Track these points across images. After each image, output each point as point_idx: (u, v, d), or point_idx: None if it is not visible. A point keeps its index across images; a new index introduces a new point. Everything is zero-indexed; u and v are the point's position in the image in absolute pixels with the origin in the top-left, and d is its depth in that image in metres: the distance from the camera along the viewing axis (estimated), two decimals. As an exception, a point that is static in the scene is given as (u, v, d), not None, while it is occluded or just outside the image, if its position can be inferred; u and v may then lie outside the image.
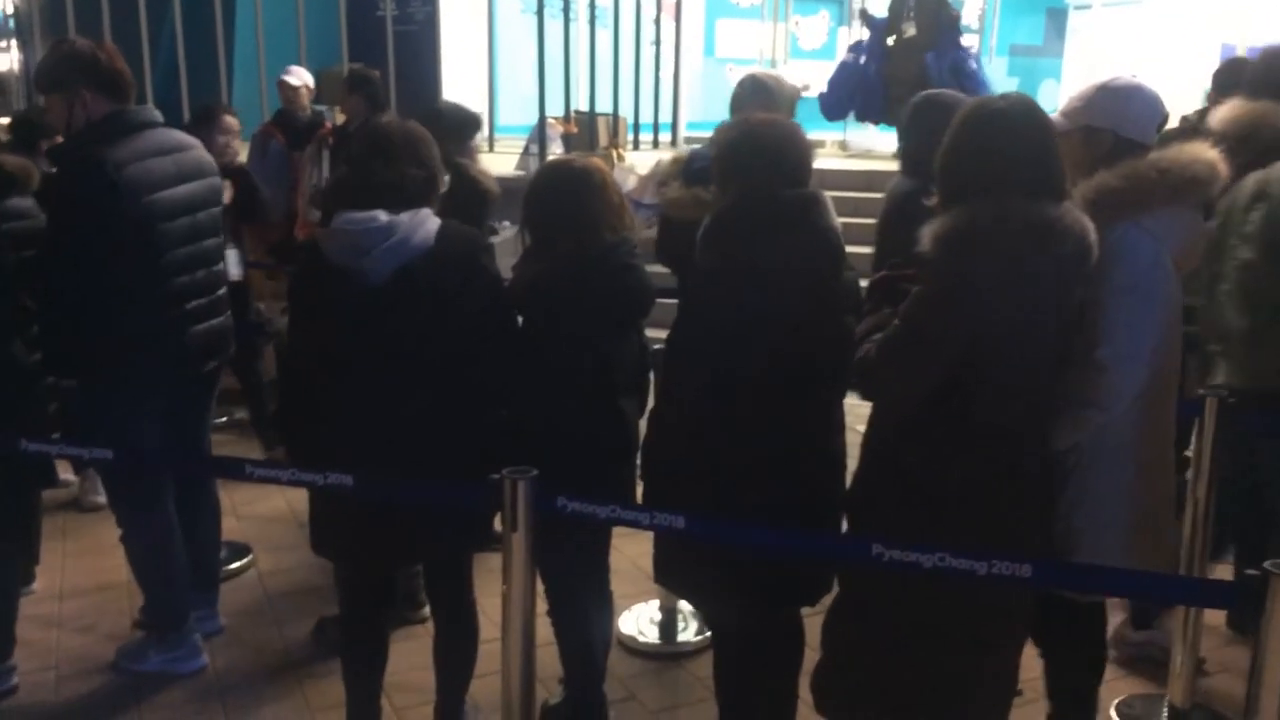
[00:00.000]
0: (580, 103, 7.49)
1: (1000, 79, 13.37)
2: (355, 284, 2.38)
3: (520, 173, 6.24)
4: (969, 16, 13.69)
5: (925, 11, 7.89)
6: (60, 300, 2.92)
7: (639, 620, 3.60)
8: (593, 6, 7.54)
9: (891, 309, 2.14)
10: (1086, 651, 2.59)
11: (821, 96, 8.48)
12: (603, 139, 7.30)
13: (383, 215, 2.38)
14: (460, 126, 3.83)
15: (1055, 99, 13.10)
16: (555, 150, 6.72)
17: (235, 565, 3.94)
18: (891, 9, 8.19)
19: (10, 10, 10.50)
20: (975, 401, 2.04)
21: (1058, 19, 14.23)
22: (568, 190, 2.61)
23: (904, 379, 2.07)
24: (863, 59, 8.23)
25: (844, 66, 8.41)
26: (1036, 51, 14.13)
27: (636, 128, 8.15)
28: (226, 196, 3.78)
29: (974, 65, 7.95)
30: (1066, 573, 2.04)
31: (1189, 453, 2.89)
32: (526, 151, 6.55)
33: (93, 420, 3.05)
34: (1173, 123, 3.48)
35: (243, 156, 5.37)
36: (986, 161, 2.04)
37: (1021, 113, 2.09)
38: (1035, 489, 2.17)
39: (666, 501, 2.31)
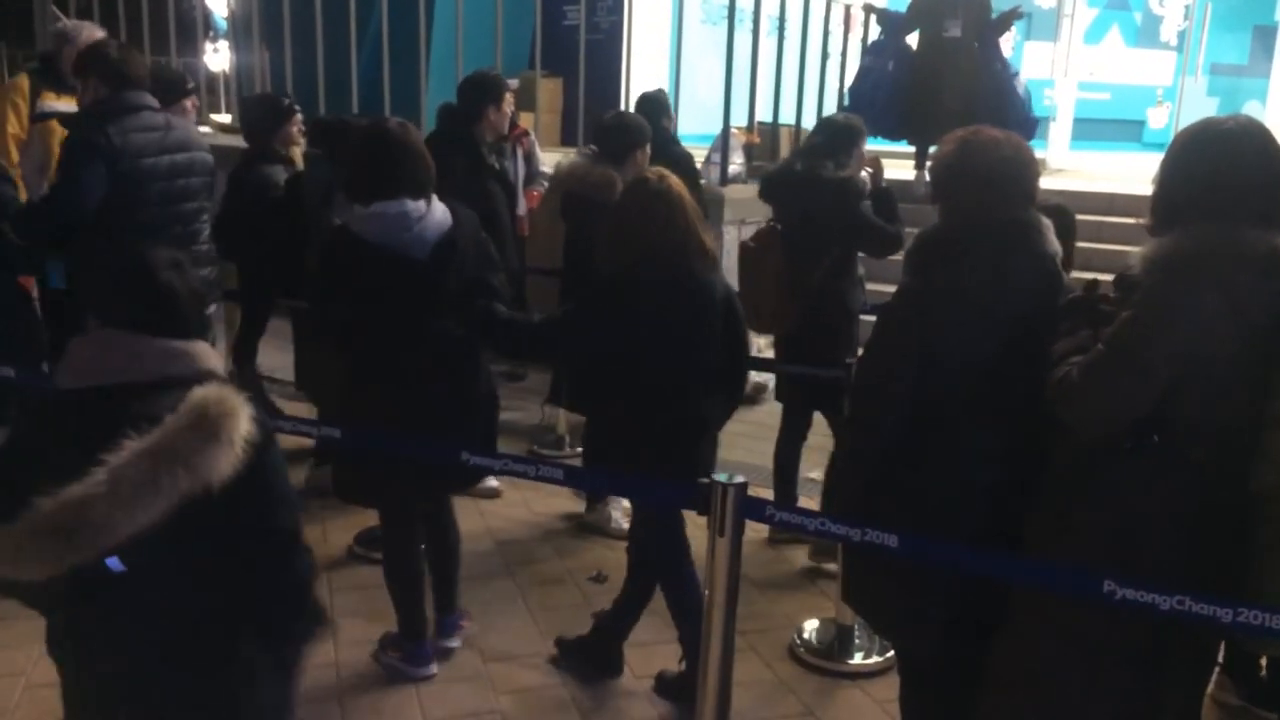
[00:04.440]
0: (763, 113, 7.48)
1: (1199, 99, 12.69)
2: (399, 259, 2.85)
3: (701, 180, 6.28)
4: (1168, 33, 13.04)
5: (973, 9, 6.52)
6: (61, 241, 3.59)
7: (810, 634, 3.57)
8: (782, 18, 7.52)
9: (1091, 331, 2.05)
10: None
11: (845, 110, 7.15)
12: (785, 150, 7.27)
13: (409, 201, 2.88)
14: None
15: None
16: (737, 160, 6.73)
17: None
18: (920, 4, 6.81)
19: (226, 14, 11.28)
20: (1180, 430, 1.95)
21: (1266, 37, 13.39)
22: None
23: (1108, 404, 1.98)
24: (891, 64, 6.95)
25: (867, 71, 7.08)
26: (1241, 71, 13.34)
27: (817, 140, 8.08)
28: None
29: (1022, 86, 6.71)
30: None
31: None
32: (709, 160, 6.58)
33: None
34: None
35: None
36: (1211, 185, 1.95)
37: (1252, 136, 1.98)
38: (1233, 525, 2.02)
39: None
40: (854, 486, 2.33)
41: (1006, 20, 6.43)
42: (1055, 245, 2.28)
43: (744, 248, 4.33)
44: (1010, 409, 2.17)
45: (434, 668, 3.31)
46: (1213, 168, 1.96)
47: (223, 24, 11.57)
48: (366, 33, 8.11)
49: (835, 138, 4.16)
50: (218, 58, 12.11)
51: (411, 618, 3.30)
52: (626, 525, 4.31)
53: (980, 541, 2.16)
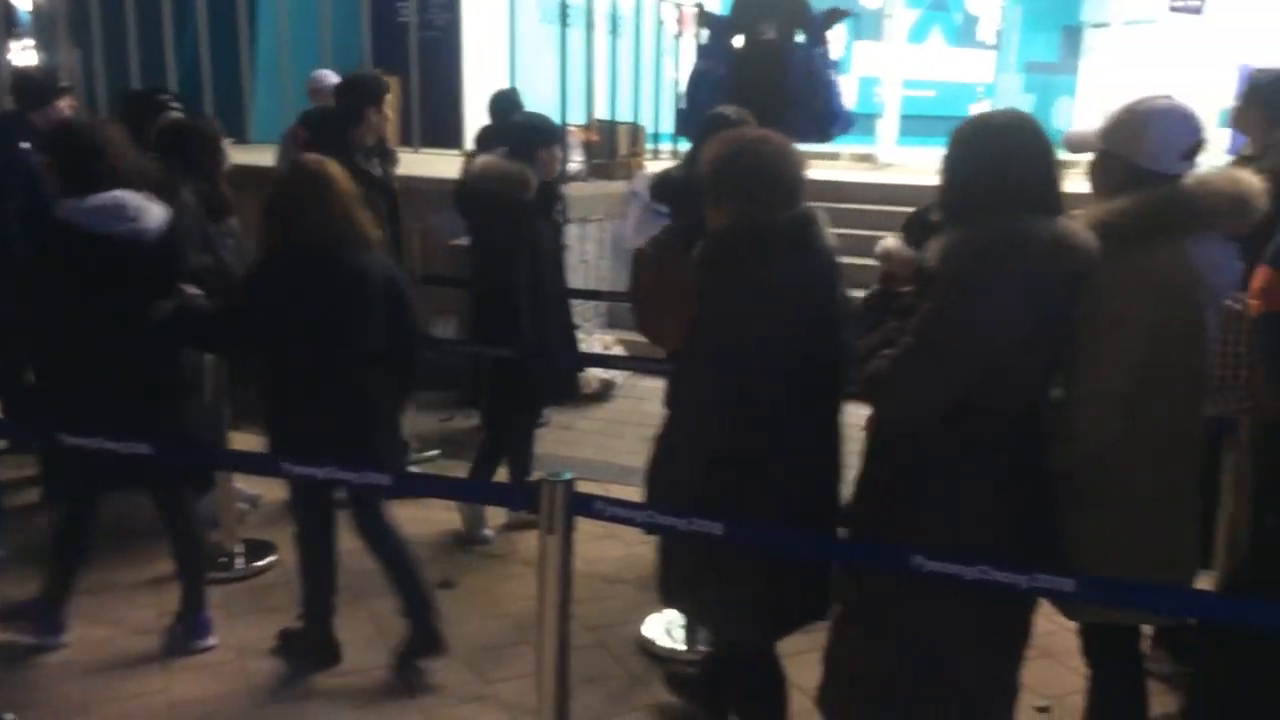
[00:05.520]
0: (601, 111, 7.52)
1: (1016, 95, 13.45)
2: (125, 247, 3.03)
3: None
4: (985, 33, 13.76)
5: (785, 11, 6.73)
6: None
7: (662, 625, 3.60)
8: (614, 17, 7.57)
9: (897, 323, 2.13)
10: (1122, 672, 2.54)
11: (680, 114, 7.44)
12: (623, 148, 7.32)
13: (126, 193, 3.06)
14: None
15: (1070, 116, 13.16)
16: (576, 158, 6.74)
17: (260, 564, 3.98)
18: (740, 7, 7.01)
19: (31, 9, 10.57)
20: (987, 414, 2.04)
21: (1073, 36, 14.29)
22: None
23: (920, 392, 2.06)
24: (723, 68, 7.02)
25: (702, 75, 7.13)
26: (1052, 69, 14.19)
27: (656, 137, 8.18)
28: None
29: (833, 74, 6.84)
30: (1107, 589, 2.03)
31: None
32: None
33: None
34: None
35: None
36: (992, 178, 2.04)
37: (1026, 129, 2.09)
38: (1044, 499, 2.16)
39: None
40: (682, 485, 2.35)
41: (830, 19, 6.62)
42: (830, 239, 2.36)
43: (642, 254, 4.21)
44: (829, 396, 2.24)
45: (65, 637, 3.39)
46: (991, 162, 2.05)
47: (28, 19, 10.84)
48: (184, 30, 7.74)
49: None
50: (25, 55, 11.36)
51: (57, 585, 3.37)
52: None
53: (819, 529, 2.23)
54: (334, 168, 3.12)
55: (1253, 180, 2.28)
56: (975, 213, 2.04)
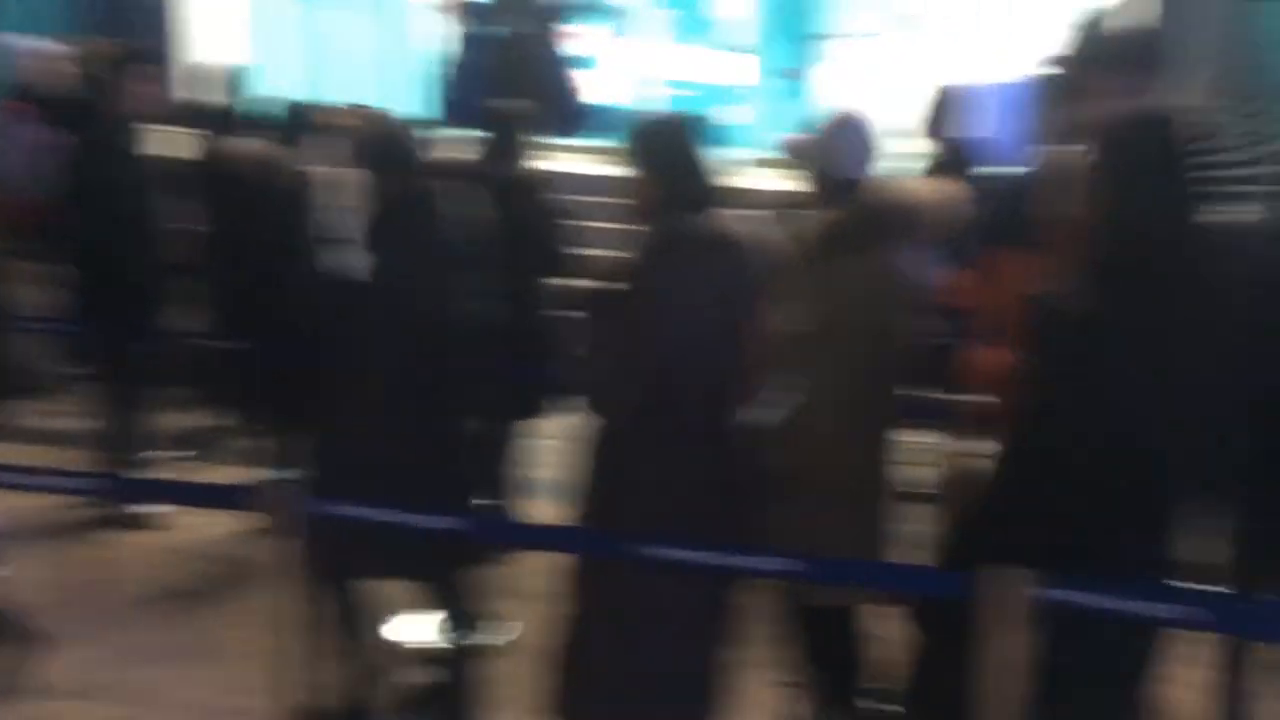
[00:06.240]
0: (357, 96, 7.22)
1: (768, 99, 14.02)
2: None
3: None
4: (740, 37, 14.27)
5: (514, 8, 7.16)
6: None
7: (419, 628, 3.52)
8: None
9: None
10: (835, 649, 2.65)
11: (447, 103, 7.59)
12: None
13: None
14: None
15: (814, 123, 13.84)
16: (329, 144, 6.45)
17: None
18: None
19: None
20: (675, 407, 2.14)
21: (815, 46, 15.05)
22: None
23: (611, 388, 2.15)
24: (484, 58, 7.39)
25: (463, 65, 7.45)
26: (798, 75, 14.89)
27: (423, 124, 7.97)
28: None
29: (568, 70, 7.37)
30: (827, 568, 2.16)
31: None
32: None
33: None
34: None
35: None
36: (665, 177, 2.15)
37: (685, 131, 2.22)
38: (748, 488, 2.27)
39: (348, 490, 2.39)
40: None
41: (554, 13, 6.75)
42: (454, 213, 2.69)
43: None
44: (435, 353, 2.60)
45: None
46: (663, 161, 2.17)
47: None
48: None
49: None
50: None
51: None
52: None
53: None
54: None
55: (954, 189, 2.51)
56: (656, 210, 2.12)
